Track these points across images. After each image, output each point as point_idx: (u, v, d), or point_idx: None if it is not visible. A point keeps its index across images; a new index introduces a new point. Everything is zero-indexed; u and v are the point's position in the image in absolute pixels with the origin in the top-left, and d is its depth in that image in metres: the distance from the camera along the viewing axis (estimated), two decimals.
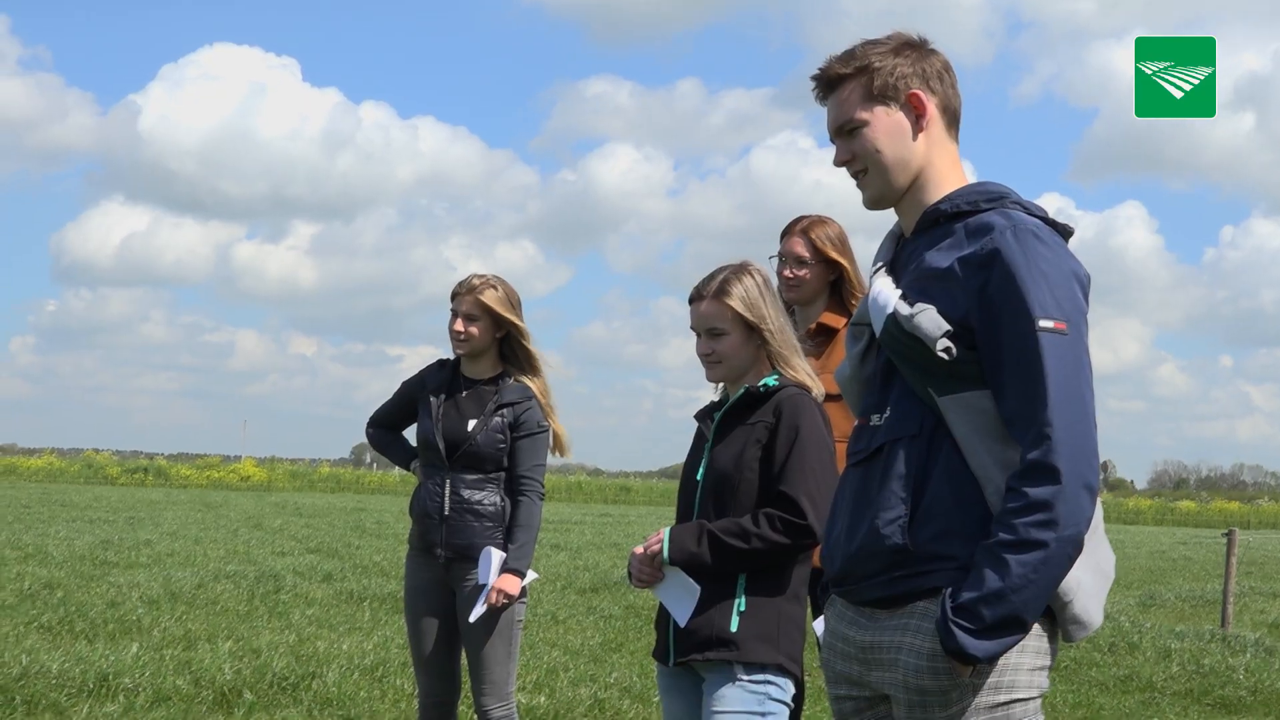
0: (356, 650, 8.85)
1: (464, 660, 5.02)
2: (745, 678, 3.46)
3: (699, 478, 3.64)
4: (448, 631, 5.01)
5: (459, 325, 5.00)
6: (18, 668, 7.50)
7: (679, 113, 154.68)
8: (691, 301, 3.72)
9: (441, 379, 5.12)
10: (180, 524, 22.07)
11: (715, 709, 3.45)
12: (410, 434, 5.29)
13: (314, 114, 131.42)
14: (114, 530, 19.65)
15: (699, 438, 3.75)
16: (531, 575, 4.96)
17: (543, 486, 5.03)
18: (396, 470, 52.99)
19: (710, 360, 3.68)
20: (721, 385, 3.77)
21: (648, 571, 3.59)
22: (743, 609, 3.48)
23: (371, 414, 5.36)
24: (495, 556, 4.84)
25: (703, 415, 3.78)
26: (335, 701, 7.19)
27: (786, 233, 4.92)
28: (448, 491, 4.94)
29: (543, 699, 7.41)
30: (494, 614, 4.84)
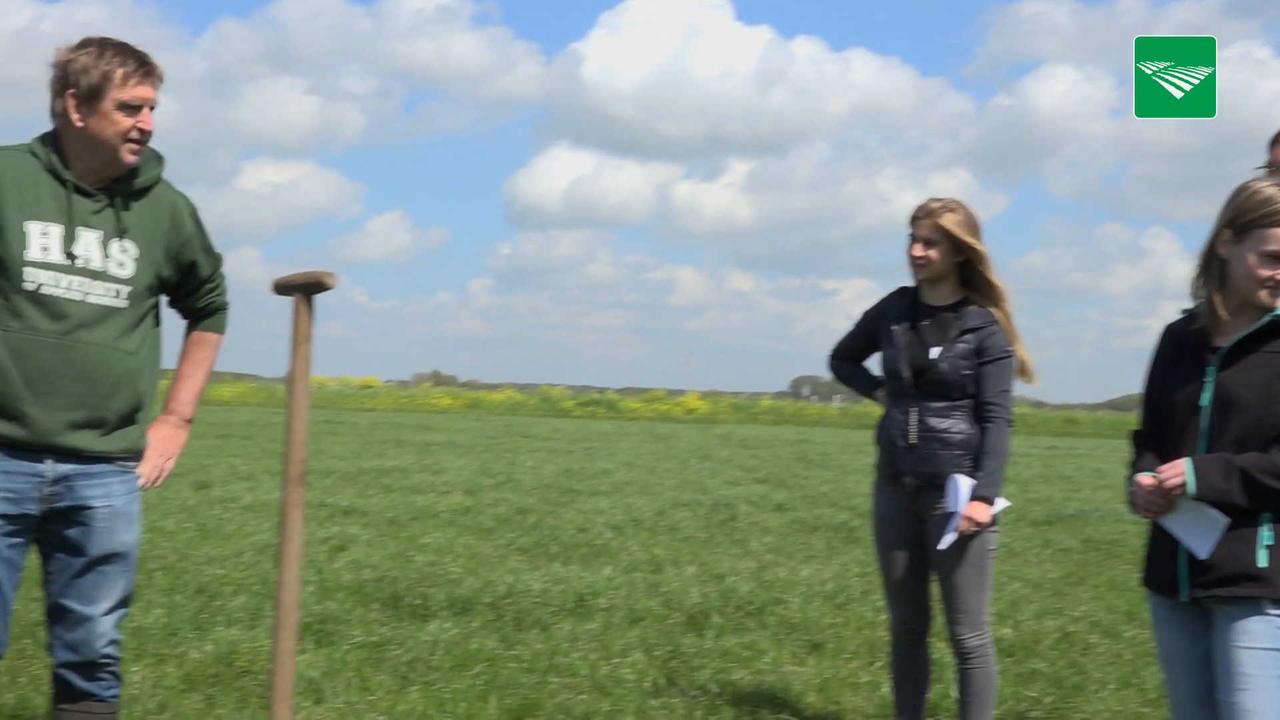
0: (815, 577, 9.01)
1: (935, 589, 5.01)
2: (1274, 613, 3.31)
3: (1203, 403, 3.47)
4: (918, 560, 5.00)
5: (917, 250, 4.93)
6: (504, 587, 8.04)
7: (1122, 29, 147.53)
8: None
9: (902, 307, 5.08)
10: (633, 454, 22.99)
11: (1242, 644, 3.31)
12: (873, 364, 5.30)
13: (746, 52, 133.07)
14: (574, 460, 20.69)
15: (1185, 360, 3.57)
16: (1002, 503, 4.89)
17: (1010, 413, 4.93)
18: (836, 402, 53.25)
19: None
20: (1206, 303, 3.56)
21: (1158, 503, 3.46)
22: (1269, 542, 3.32)
23: (834, 346, 5.39)
24: (964, 484, 4.80)
25: (1185, 335, 3.59)
26: (800, 627, 7.34)
27: (1276, 141, 4.60)
28: (914, 420, 4.91)
29: (1007, 630, 7.32)
30: (965, 542, 4.81)
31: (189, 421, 4.19)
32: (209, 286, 4.17)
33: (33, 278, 3.74)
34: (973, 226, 4.93)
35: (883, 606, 6.73)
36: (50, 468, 3.80)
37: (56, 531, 3.88)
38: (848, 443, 29.53)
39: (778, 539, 11.34)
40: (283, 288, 3.01)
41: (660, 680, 6.08)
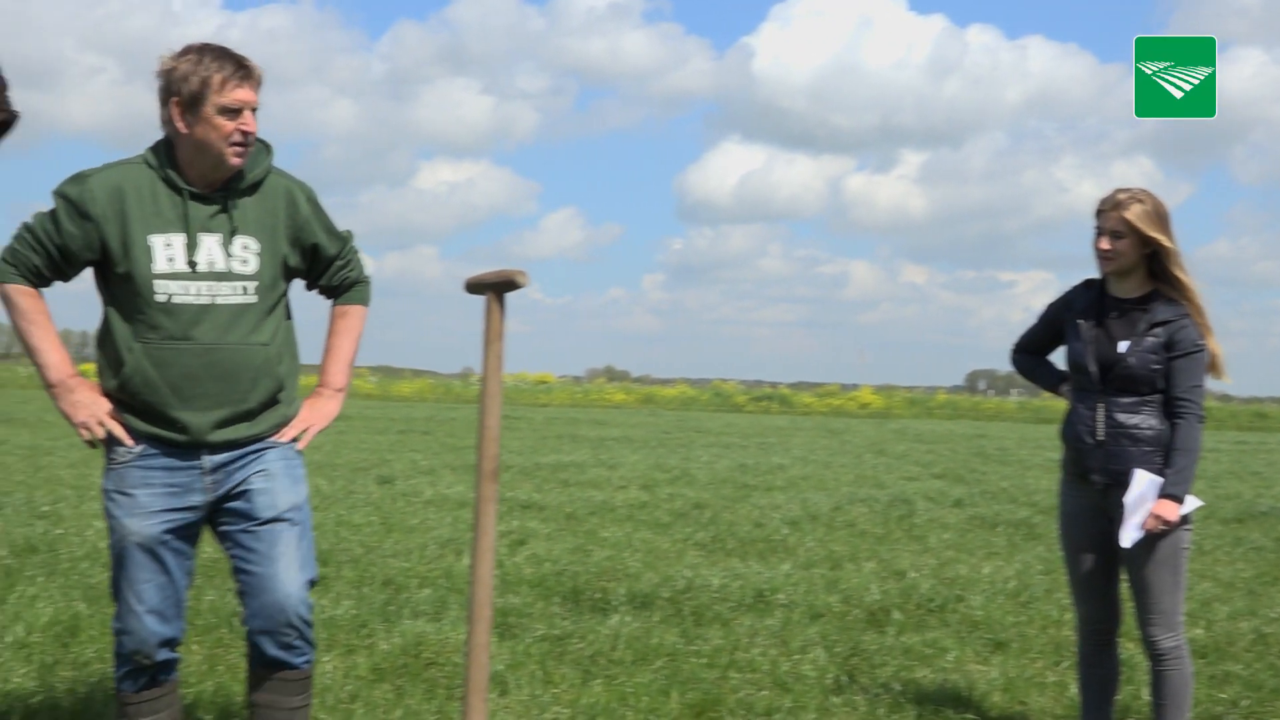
0: (998, 575, 8.87)
1: (1125, 589, 4.90)
2: None
3: None
4: (1106, 559, 4.90)
5: (1104, 243, 4.81)
6: (683, 581, 8.08)
7: None
8: None
9: (1088, 300, 4.96)
10: (807, 449, 22.88)
11: None
12: (1057, 358, 5.20)
13: (920, 42, 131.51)
14: (748, 455, 20.66)
15: None
16: (1194, 501, 4.75)
17: (1202, 408, 4.79)
18: (1013, 396, 52.28)
19: None
20: None
21: None
22: None
23: (1016, 340, 5.31)
24: (1145, 479, 4.67)
25: None
26: (983, 625, 7.24)
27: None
28: (1101, 416, 4.80)
29: (1200, 631, 7.12)
30: (1156, 540, 4.69)
31: (341, 390, 4.36)
32: (339, 264, 4.29)
33: (163, 289, 3.91)
34: (1161, 219, 4.79)
35: (1068, 605, 6.60)
36: (207, 460, 4.01)
37: (225, 508, 4.08)
38: (1026, 438, 28.98)
39: (957, 535, 11.19)
40: (474, 286, 3.07)
41: (841, 677, 6.06)
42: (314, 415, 4.27)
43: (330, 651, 6.01)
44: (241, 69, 3.90)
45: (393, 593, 7.63)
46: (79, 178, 3.94)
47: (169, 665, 4.16)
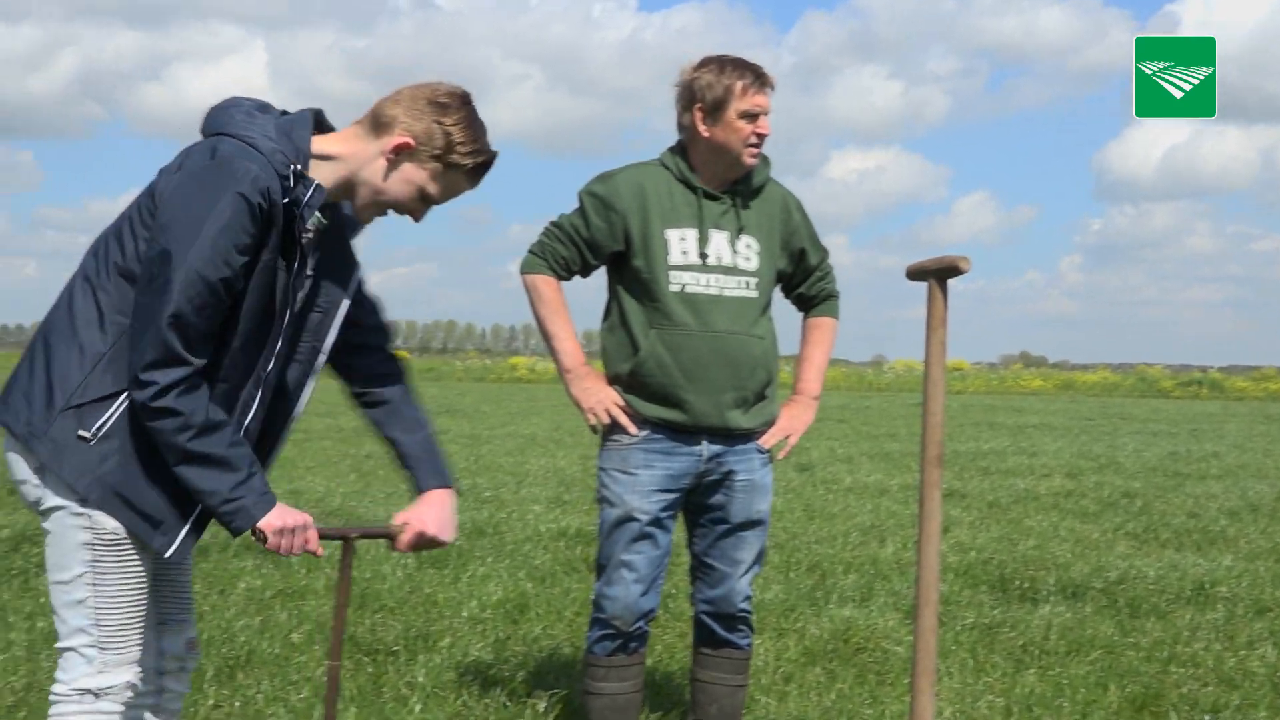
0: None
1: None
2: None
3: None
4: None
5: None
6: (1115, 572, 7.83)
7: None
8: None
9: None
10: (1244, 436, 21.67)
11: None
12: None
13: None
14: (1178, 442, 19.76)
15: None
16: None
17: None
18: None
19: None
20: None
21: None
22: None
23: None
24: None
25: None
26: None
27: None
28: None
29: None
30: None
31: (816, 398, 4.61)
32: (818, 274, 4.54)
33: (677, 280, 4.23)
34: None
35: None
36: (705, 448, 4.31)
37: (702, 500, 4.40)
38: None
39: None
40: (916, 273, 3.10)
41: None
42: (793, 423, 4.51)
43: (761, 634, 6.15)
44: (759, 77, 4.20)
45: (819, 578, 7.73)
46: (605, 177, 4.35)
47: (641, 637, 4.46)
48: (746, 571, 4.45)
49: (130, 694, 3.05)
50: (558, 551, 8.33)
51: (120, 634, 2.99)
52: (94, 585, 2.95)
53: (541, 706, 4.96)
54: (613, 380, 4.36)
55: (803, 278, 4.51)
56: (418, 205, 3.12)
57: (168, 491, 2.95)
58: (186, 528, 3.00)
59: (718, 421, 4.27)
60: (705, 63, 4.22)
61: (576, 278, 4.46)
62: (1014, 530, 9.83)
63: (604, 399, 4.31)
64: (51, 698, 3.02)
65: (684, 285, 4.22)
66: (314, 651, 5.69)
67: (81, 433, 2.88)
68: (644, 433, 4.30)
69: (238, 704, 5.00)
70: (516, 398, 32.91)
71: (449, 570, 7.54)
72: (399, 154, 3.03)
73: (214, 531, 3.98)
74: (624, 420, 4.30)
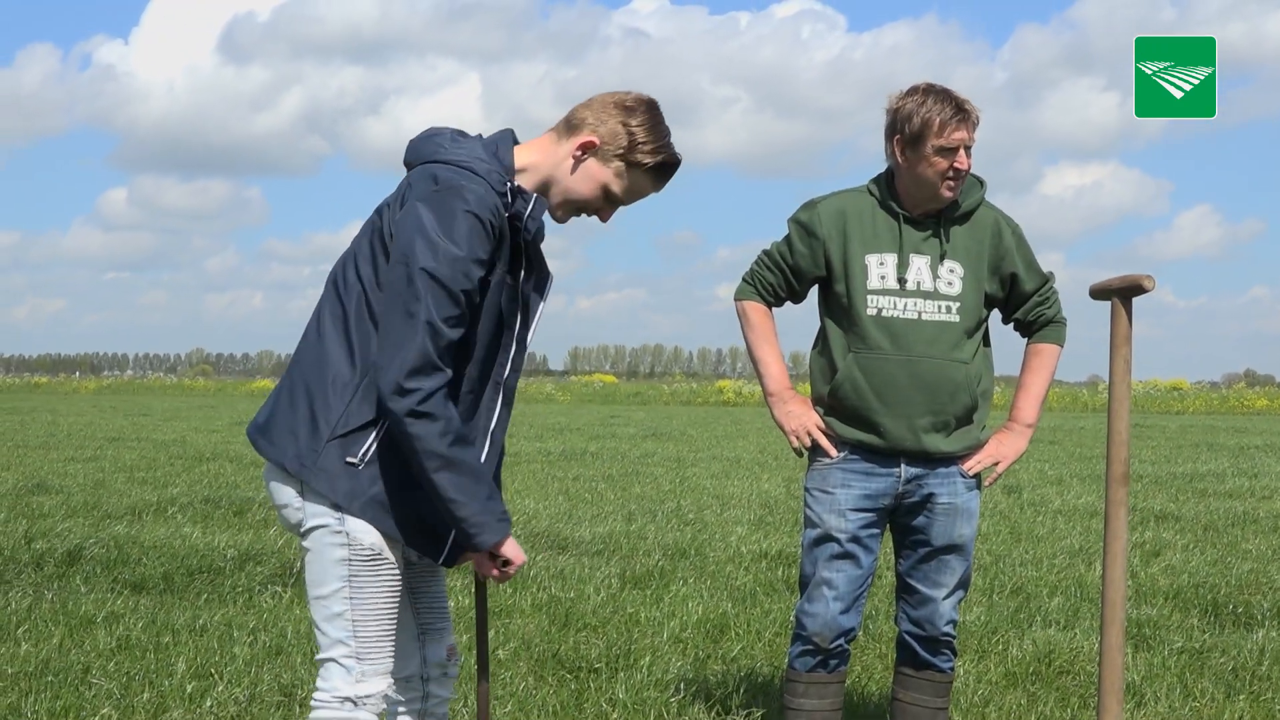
0: None
1: None
2: None
3: None
4: None
5: None
6: None
7: None
8: None
9: None
10: None
11: None
12: None
13: None
14: None
15: None
16: None
17: None
18: None
19: None
20: None
21: None
22: None
23: None
24: None
25: None
26: None
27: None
28: None
29: None
30: None
31: (1030, 426, 4.58)
32: (1037, 300, 4.51)
33: (874, 304, 4.30)
34: None
35: None
36: (903, 470, 4.37)
37: (904, 522, 4.46)
38: None
39: None
40: (1099, 292, 3.11)
41: None
42: (1003, 449, 4.52)
43: (962, 656, 6.12)
44: (961, 112, 4.22)
45: (1023, 600, 7.63)
46: (809, 204, 4.48)
47: (842, 655, 4.53)
48: (949, 595, 4.49)
49: (384, 705, 3.25)
50: (759, 573, 8.39)
51: (375, 645, 3.20)
52: (351, 599, 3.16)
53: None
54: (816, 402, 4.47)
55: (1019, 303, 4.50)
56: (603, 204, 3.34)
57: (429, 506, 3.16)
58: (453, 536, 3.21)
59: (913, 444, 4.31)
60: (911, 92, 4.26)
61: (789, 304, 4.58)
62: (1230, 553, 9.54)
63: (806, 422, 4.42)
64: (313, 703, 3.24)
65: (880, 309, 4.29)
66: (518, 668, 5.87)
67: (349, 459, 3.11)
68: (843, 454, 4.39)
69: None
70: (722, 421, 32.99)
71: (651, 590, 7.68)
72: (585, 152, 3.26)
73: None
74: (824, 442, 4.40)
